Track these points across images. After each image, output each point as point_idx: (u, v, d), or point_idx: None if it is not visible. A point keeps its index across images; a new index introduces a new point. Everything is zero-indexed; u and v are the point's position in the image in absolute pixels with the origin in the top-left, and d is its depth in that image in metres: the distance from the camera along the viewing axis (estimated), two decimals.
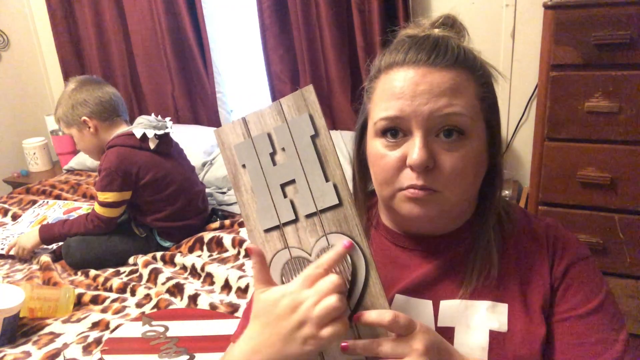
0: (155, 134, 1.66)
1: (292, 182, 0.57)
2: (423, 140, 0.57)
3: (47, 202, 2.18)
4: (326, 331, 0.51)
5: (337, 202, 0.55)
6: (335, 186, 0.56)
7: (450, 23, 0.66)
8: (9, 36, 2.73)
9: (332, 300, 0.50)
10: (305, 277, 0.53)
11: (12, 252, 1.74)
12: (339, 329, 0.51)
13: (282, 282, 0.58)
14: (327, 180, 0.56)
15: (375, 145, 0.61)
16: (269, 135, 0.58)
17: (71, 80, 1.73)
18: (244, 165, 0.59)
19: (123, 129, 1.70)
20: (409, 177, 0.58)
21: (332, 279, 0.52)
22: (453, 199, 0.60)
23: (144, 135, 1.64)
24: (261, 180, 0.58)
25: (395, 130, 0.59)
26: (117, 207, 1.64)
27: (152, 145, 1.65)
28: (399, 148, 0.59)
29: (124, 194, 1.63)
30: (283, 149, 0.58)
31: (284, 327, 0.52)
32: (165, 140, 1.71)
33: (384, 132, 0.60)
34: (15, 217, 2.09)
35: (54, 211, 2.08)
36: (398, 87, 0.59)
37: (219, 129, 0.61)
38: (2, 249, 1.79)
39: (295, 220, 0.57)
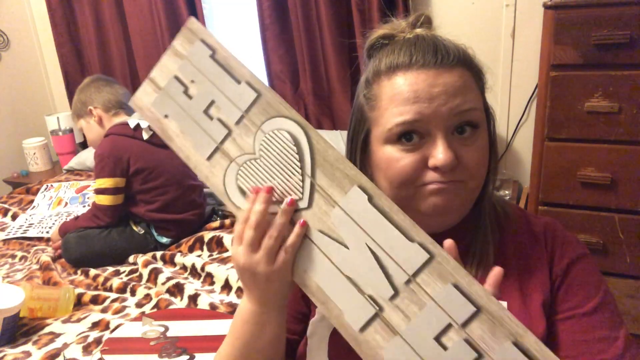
0: (150, 125, 1.69)
1: (212, 103, 0.60)
2: (446, 141, 0.57)
3: (52, 185, 2.26)
4: (278, 262, 0.55)
5: (255, 95, 0.58)
6: (248, 83, 0.58)
7: (427, 21, 0.67)
8: (9, 36, 2.73)
9: (269, 240, 0.55)
10: (235, 237, 0.57)
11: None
12: (287, 254, 0.55)
13: (240, 190, 0.59)
14: (238, 82, 0.59)
15: (388, 151, 0.60)
16: (177, 77, 0.61)
17: (87, 78, 1.88)
18: (166, 116, 0.62)
19: (122, 119, 1.78)
20: (432, 177, 0.58)
21: (251, 228, 0.55)
22: (474, 188, 0.61)
23: (138, 125, 1.72)
24: (185, 118, 0.61)
25: (410, 134, 0.59)
26: (112, 194, 1.66)
27: (145, 136, 1.71)
28: (416, 151, 0.59)
29: (117, 181, 1.66)
30: (192, 81, 0.61)
31: (247, 282, 0.58)
32: None
33: (398, 137, 0.59)
34: (25, 210, 2.17)
35: (64, 192, 2.19)
36: (412, 90, 0.58)
37: (133, 98, 0.64)
38: (46, 232, 1.93)
39: (229, 133, 0.59)
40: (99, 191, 1.66)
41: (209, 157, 0.60)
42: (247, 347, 0.61)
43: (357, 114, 0.66)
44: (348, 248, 0.53)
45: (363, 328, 0.52)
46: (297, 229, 0.55)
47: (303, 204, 0.56)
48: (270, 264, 0.55)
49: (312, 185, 0.56)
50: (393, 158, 0.60)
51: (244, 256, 0.56)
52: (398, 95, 0.59)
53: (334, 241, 0.54)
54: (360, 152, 0.66)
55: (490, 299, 0.48)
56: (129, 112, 1.82)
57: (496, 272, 0.51)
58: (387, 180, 0.62)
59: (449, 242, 0.51)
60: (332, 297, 0.54)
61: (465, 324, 0.48)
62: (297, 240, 0.55)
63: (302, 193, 0.56)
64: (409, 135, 0.59)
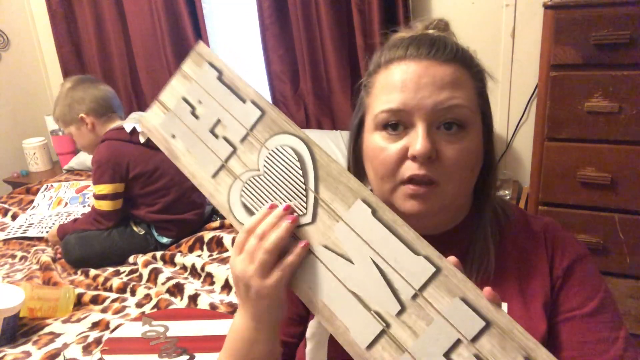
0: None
1: (218, 122, 0.61)
2: (426, 131, 0.57)
3: (52, 185, 2.26)
4: (273, 278, 0.54)
5: (259, 113, 0.59)
6: (253, 102, 0.60)
7: (442, 27, 0.67)
8: (9, 36, 2.73)
9: (264, 255, 0.54)
10: (235, 246, 0.57)
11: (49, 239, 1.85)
12: (283, 272, 0.54)
13: (245, 207, 0.59)
14: (243, 101, 0.60)
15: (375, 139, 0.61)
16: (184, 99, 0.64)
17: (67, 80, 1.80)
18: (173, 136, 0.64)
19: (117, 124, 1.75)
20: (410, 168, 0.58)
21: (255, 239, 0.55)
22: (452, 192, 0.60)
23: (134, 130, 1.69)
24: (192, 137, 0.63)
25: (396, 123, 0.59)
26: (112, 199, 1.66)
27: (142, 139, 1.70)
28: (399, 141, 0.59)
29: (117, 186, 1.66)
30: (200, 102, 0.63)
31: (241, 292, 0.57)
32: None
33: (384, 126, 0.60)
34: (25, 210, 2.18)
35: (64, 192, 2.20)
36: (400, 79, 0.59)
37: (142, 119, 0.67)
38: (45, 232, 1.91)
39: (234, 151, 0.60)
40: (98, 197, 1.66)
41: (214, 175, 0.61)
42: None
43: (357, 103, 0.68)
44: (353, 263, 0.53)
45: (370, 345, 0.51)
46: (297, 249, 0.54)
47: (307, 219, 0.56)
48: (263, 278, 0.54)
49: (316, 200, 0.55)
50: (378, 147, 0.61)
51: (240, 264, 0.55)
52: (389, 83, 0.60)
53: (339, 256, 0.53)
54: (354, 140, 0.67)
55: (499, 312, 0.47)
56: (120, 113, 1.80)
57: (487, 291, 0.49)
58: (374, 171, 0.63)
59: (453, 259, 0.51)
60: (338, 314, 0.53)
61: (474, 339, 0.47)
62: (296, 260, 0.54)
63: (306, 208, 0.56)
64: (395, 124, 0.59)
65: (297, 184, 0.57)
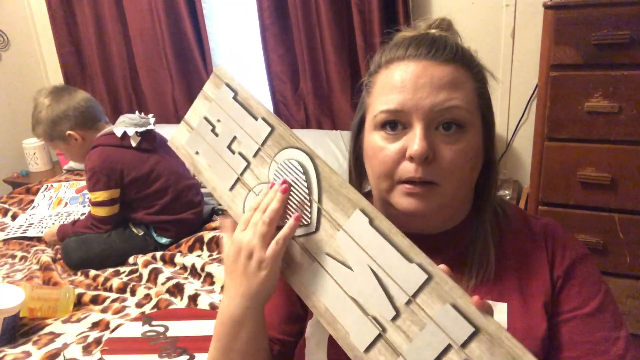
0: (137, 132, 1.69)
1: (234, 139, 0.66)
2: (423, 132, 0.58)
3: (52, 185, 2.27)
4: (270, 250, 0.58)
5: (269, 129, 0.64)
6: (264, 119, 0.64)
7: (445, 26, 0.67)
8: (9, 36, 2.73)
9: (262, 226, 0.58)
10: (241, 221, 0.61)
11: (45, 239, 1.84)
12: (277, 245, 0.58)
13: None
14: (255, 118, 0.65)
15: (374, 139, 0.62)
16: (206, 118, 0.69)
17: (41, 95, 1.70)
18: (197, 152, 0.70)
19: (106, 129, 1.73)
20: (407, 169, 0.58)
21: (259, 213, 0.59)
22: (450, 193, 0.60)
23: (125, 134, 1.67)
24: (212, 153, 0.68)
25: (394, 123, 0.60)
26: (109, 205, 1.66)
27: (133, 143, 1.68)
28: (398, 141, 0.60)
29: (112, 192, 1.66)
30: (219, 120, 0.68)
31: (239, 266, 0.59)
32: (148, 137, 1.73)
33: (383, 125, 0.61)
34: (25, 210, 2.17)
35: (64, 192, 2.20)
36: (399, 80, 0.59)
37: (171, 138, 0.73)
38: (42, 232, 1.91)
39: (248, 165, 0.65)
40: (95, 203, 1.66)
41: (231, 188, 0.66)
42: (225, 348, 0.64)
43: (360, 101, 0.68)
44: (352, 270, 0.55)
45: (368, 349, 0.53)
46: (290, 221, 0.58)
47: (311, 228, 0.59)
48: (264, 249, 0.57)
49: (319, 211, 0.59)
50: (377, 147, 0.61)
51: (245, 236, 0.59)
52: (388, 83, 0.61)
53: (340, 263, 0.56)
54: (354, 139, 0.68)
55: (488, 319, 0.48)
56: (105, 119, 1.78)
57: (475, 300, 0.50)
58: (372, 170, 0.63)
59: (443, 267, 0.52)
60: (339, 318, 0.55)
61: (464, 345, 0.48)
62: (289, 232, 0.58)
63: (310, 218, 0.59)
64: (393, 124, 0.60)
65: (303, 195, 0.60)
